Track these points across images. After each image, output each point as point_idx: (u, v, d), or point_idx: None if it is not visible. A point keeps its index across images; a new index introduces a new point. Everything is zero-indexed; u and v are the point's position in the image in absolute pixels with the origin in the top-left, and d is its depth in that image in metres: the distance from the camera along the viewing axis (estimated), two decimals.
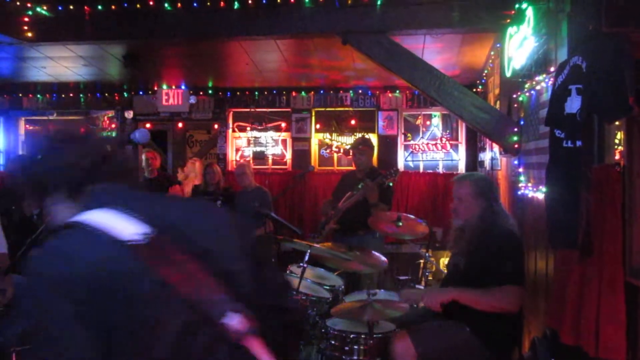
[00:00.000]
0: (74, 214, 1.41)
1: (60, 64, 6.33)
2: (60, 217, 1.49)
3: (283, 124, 8.06)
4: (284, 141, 8.14)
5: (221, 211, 1.69)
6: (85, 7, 4.72)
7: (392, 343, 3.24)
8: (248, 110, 7.99)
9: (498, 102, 5.12)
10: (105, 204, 1.40)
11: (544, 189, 2.92)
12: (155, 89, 7.59)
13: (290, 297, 1.85)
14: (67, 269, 1.28)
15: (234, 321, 1.30)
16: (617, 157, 2.47)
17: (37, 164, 1.53)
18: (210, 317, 1.30)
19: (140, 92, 7.74)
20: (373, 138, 7.70)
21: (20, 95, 7.99)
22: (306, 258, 3.99)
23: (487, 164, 6.24)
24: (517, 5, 3.80)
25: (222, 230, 1.54)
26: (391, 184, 5.18)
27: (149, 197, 1.57)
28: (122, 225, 1.33)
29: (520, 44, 3.62)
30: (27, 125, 8.81)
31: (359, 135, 7.61)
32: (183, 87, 7.59)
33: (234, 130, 8.23)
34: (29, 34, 4.81)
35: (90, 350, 1.25)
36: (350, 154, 5.76)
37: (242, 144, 8.30)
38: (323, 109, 7.87)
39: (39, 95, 7.94)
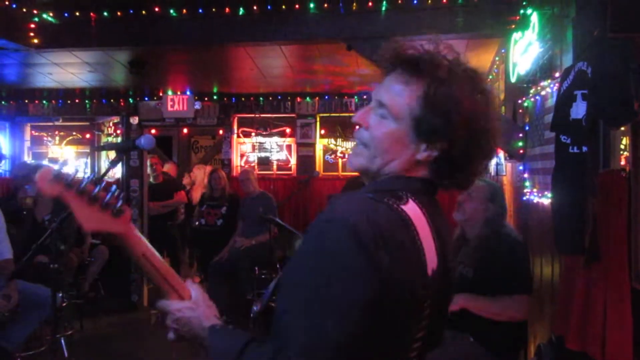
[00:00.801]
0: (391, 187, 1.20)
1: (66, 70, 6.36)
2: (383, 150, 1.23)
3: (288, 130, 8.08)
4: (289, 147, 8.15)
5: None
6: (91, 14, 4.75)
7: None
8: (253, 115, 8.01)
9: (503, 108, 5.11)
10: (421, 200, 1.19)
11: (549, 195, 2.92)
12: (161, 95, 7.62)
13: None
14: (382, 246, 1.05)
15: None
16: (622, 162, 2.46)
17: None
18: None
19: (146, 98, 7.77)
20: None
21: (26, 101, 8.04)
22: None
23: (492, 169, 6.23)
24: (521, 11, 3.80)
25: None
26: None
27: (440, 212, 1.27)
28: (429, 249, 1.15)
29: (525, 49, 3.62)
30: (33, 131, 8.86)
31: None
32: (188, 93, 7.61)
33: (238, 136, 8.25)
34: (35, 41, 4.84)
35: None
36: None
37: (246, 150, 8.32)
38: (328, 115, 7.88)
39: (44, 102, 7.99)
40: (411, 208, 1.15)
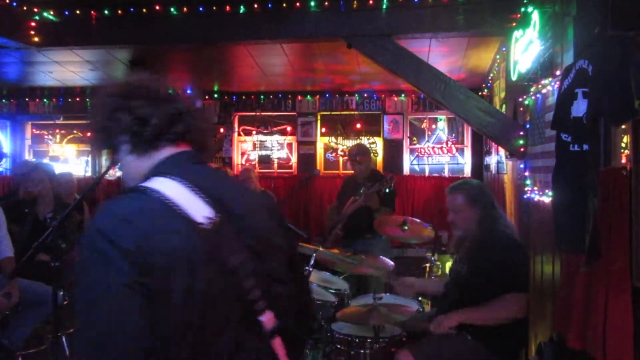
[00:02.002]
0: (141, 176, 1.40)
1: (66, 68, 6.36)
2: (130, 177, 1.47)
3: (289, 128, 8.07)
4: (290, 145, 8.16)
5: (270, 203, 1.61)
6: (92, 12, 4.74)
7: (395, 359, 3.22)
8: (254, 114, 8.01)
9: (504, 106, 5.11)
10: (172, 173, 1.36)
11: (550, 193, 2.91)
12: None
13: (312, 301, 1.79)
14: (129, 230, 1.21)
15: (265, 318, 1.31)
16: (623, 160, 2.46)
17: (109, 106, 1.47)
18: (250, 313, 1.29)
19: None
20: (378, 142, 7.71)
21: (27, 99, 8.04)
22: (312, 262, 3.99)
23: (492, 167, 6.23)
24: (522, 9, 3.80)
25: (271, 223, 1.49)
26: (388, 190, 5.15)
27: (211, 172, 1.50)
28: (191, 204, 1.29)
29: (525, 47, 3.61)
30: (34, 130, 8.85)
31: (364, 139, 7.62)
32: (189, 91, 7.61)
33: (239, 134, 8.25)
34: (36, 39, 4.83)
35: (139, 318, 1.17)
36: (348, 163, 5.74)
37: (247, 148, 8.31)
38: (328, 113, 7.88)
39: (45, 100, 7.99)
40: (155, 182, 1.32)
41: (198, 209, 1.28)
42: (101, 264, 1.19)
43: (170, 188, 1.30)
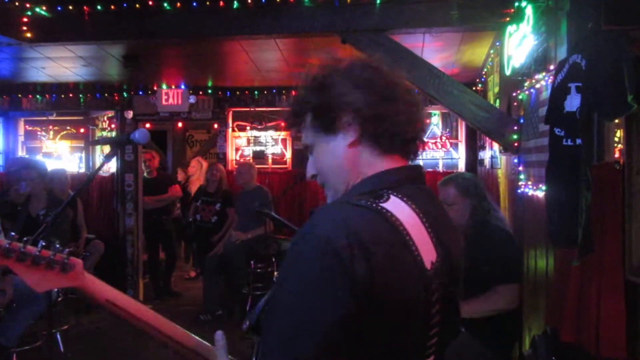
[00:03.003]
0: (349, 179, 1.22)
1: (59, 64, 6.33)
2: (333, 173, 1.26)
3: (283, 123, 8.06)
4: (284, 140, 8.16)
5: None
6: (85, 7, 4.72)
7: None
8: (248, 109, 8.00)
9: (498, 101, 5.12)
10: (403, 193, 1.16)
11: (543, 188, 2.92)
12: (155, 89, 7.59)
13: None
14: (365, 256, 1.01)
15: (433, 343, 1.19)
16: (616, 155, 2.47)
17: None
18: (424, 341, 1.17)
19: (140, 92, 7.75)
20: None
21: (20, 95, 7.99)
22: None
23: (487, 162, 6.24)
24: (516, 4, 3.80)
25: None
26: None
27: (430, 198, 1.24)
28: (423, 242, 1.11)
29: (519, 42, 3.62)
30: (27, 126, 8.82)
31: None
32: (182, 86, 7.59)
33: (233, 130, 8.24)
34: (28, 35, 4.81)
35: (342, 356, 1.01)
36: None
37: (242, 144, 8.31)
38: None
39: (38, 96, 7.95)
40: (393, 203, 1.12)
41: (428, 250, 1.11)
42: (321, 285, 1.00)
43: (406, 215, 1.11)
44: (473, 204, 3.34)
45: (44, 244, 1.31)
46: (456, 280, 1.23)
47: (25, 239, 1.32)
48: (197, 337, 1.41)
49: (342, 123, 1.21)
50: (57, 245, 1.34)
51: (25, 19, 4.78)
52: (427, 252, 1.11)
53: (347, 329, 1.00)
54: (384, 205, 1.10)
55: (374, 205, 1.09)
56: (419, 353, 1.15)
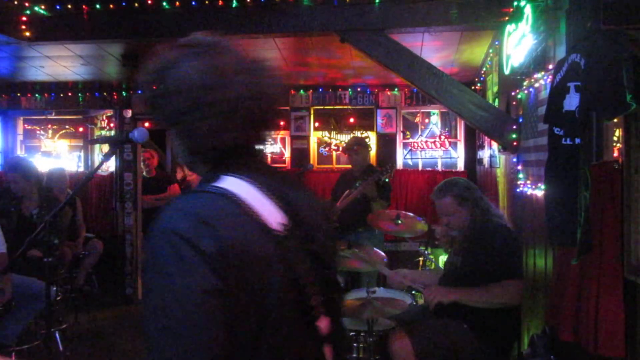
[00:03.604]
0: (209, 176, 1.29)
1: (58, 63, 6.33)
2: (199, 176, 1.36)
3: (281, 122, 8.06)
4: (283, 139, 8.14)
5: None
6: (83, 6, 4.72)
7: (390, 343, 3.25)
8: None
9: (497, 100, 5.12)
10: (240, 172, 1.27)
11: (542, 187, 2.92)
12: None
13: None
14: (210, 233, 1.12)
15: (322, 324, 1.29)
16: (615, 154, 2.47)
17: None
18: (309, 318, 1.26)
19: (139, 91, 7.73)
20: (372, 136, 7.71)
21: (19, 94, 7.99)
22: None
23: (486, 161, 6.25)
24: (515, 3, 3.80)
25: (328, 228, 1.43)
26: (387, 180, 5.22)
27: (274, 172, 1.39)
28: (265, 208, 1.22)
29: (518, 41, 3.62)
30: (26, 125, 8.81)
31: (357, 133, 7.63)
32: None
33: None
34: (27, 34, 4.80)
35: (218, 328, 1.08)
36: (346, 155, 5.82)
37: None
38: (322, 107, 7.87)
39: (37, 95, 7.94)
40: (226, 182, 1.23)
41: (272, 214, 1.23)
42: (179, 269, 1.09)
43: (241, 188, 1.23)
44: (471, 209, 3.37)
45: None
46: (323, 241, 1.34)
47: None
48: None
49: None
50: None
51: (24, 18, 4.77)
52: (272, 216, 1.23)
53: (216, 301, 1.08)
54: (216, 184, 1.23)
55: (207, 188, 1.22)
56: (304, 314, 1.25)
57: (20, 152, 8.66)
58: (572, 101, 2.40)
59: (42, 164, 7.97)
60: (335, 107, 7.81)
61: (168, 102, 1.28)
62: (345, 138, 7.70)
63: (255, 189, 1.24)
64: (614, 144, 2.50)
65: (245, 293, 1.13)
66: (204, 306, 1.07)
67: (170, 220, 1.15)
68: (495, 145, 5.03)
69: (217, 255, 1.10)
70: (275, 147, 8.16)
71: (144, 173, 7.46)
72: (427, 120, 7.87)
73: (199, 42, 1.32)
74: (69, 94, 7.83)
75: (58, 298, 5.07)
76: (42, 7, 4.75)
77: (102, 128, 8.96)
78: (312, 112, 7.92)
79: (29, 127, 8.80)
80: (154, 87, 1.33)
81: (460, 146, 7.73)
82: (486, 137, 5.66)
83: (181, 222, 1.13)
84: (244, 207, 1.19)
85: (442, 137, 7.74)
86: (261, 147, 1.38)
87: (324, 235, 1.37)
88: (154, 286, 1.11)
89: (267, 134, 1.36)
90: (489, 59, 5.68)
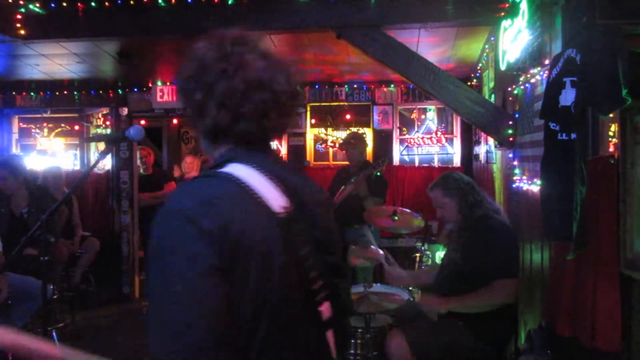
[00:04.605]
0: (217, 162, 1.34)
1: (53, 61, 6.30)
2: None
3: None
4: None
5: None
6: (79, 4, 4.70)
7: (386, 342, 3.26)
8: None
9: (493, 96, 5.13)
10: (245, 161, 1.31)
11: (538, 182, 2.93)
12: (150, 85, 7.57)
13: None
14: (211, 213, 1.16)
15: (324, 309, 1.31)
16: (611, 149, 2.48)
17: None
18: (311, 302, 1.29)
19: (135, 89, 7.72)
20: (368, 132, 7.71)
21: (14, 93, 7.95)
22: None
23: (482, 157, 6.25)
24: None
25: (331, 218, 1.46)
26: (379, 174, 5.22)
27: (280, 162, 1.45)
28: (269, 192, 1.26)
29: (514, 37, 3.62)
30: (21, 123, 8.78)
31: (354, 129, 7.63)
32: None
33: None
34: (22, 32, 4.78)
35: (218, 305, 1.12)
36: (343, 151, 5.83)
37: None
38: (318, 104, 7.86)
39: (32, 93, 7.91)
40: (233, 167, 1.28)
41: (275, 198, 1.27)
42: (180, 246, 1.14)
43: (246, 174, 1.27)
44: (459, 200, 3.43)
45: None
46: (325, 227, 1.38)
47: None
48: None
49: (196, 99, 1.33)
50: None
51: (18, 16, 4.75)
52: (274, 199, 1.27)
53: (215, 277, 1.12)
54: (222, 170, 1.28)
55: (213, 172, 1.28)
56: (307, 299, 1.28)
57: (15, 151, 8.63)
58: (568, 96, 2.41)
59: (38, 163, 7.95)
60: (331, 104, 7.80)
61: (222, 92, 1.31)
62: (341, 134, 7.69)
63: (259, 174, 1.28)
64: (610, 139, 2.51)
65: (245, 273, 1.16)
66: (202, 281, 1.11)
67: (176, 200, 1.21)
68: (491, 141, 5.04)
69: (218, 234, 1.14)
70: (272, 143, 8.16)
71: (141, 171, 7.45)
72: (423, 117, 7.87)
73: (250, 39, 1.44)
74: (65, 92, 7.80)
75: (55, 297, 5.07)
76: (37, 5, 4.73)
77: (98, 126, 8.94)
78: (308, 108, 7.91)
79: (25, 125, 8.77)
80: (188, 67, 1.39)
81: (457, 142, 7.74)
82: (482, 133, 5.66)
83: (185, 201, 1.19)
84: (247, 190, 1.24)
85: (439, 133, 7.74)
86: (272, 140, 1.45)
87: (326, 221, 1.40)
88: (157, 260, 1.16)
89: (282, 128, 1.42)
90: (485, 54, 5.68)
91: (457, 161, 7.70)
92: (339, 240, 1.46)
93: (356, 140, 5.57)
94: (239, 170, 1.27)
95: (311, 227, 1.32)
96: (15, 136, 8.73)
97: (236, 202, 1.21)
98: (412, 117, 7.89)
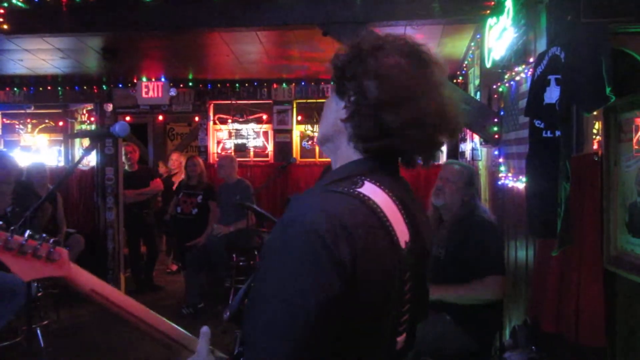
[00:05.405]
0: (351, 175, 1.22)
1: (37, 56, 6.24)
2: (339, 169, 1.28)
3: (264, 116, 8.04)
4: (265, 133, 8.13)
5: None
6: None
7: None
8: (229, 102, 7.96)
9: (478, 93, 5.15)
10: (378, 180, 1.20)
11: (523, 179, 2.95)
12: (135, 81, 7.52)
13: None
14: (347, 239, 1.06)
15: (400, 340, 1.26)
16: (595, 146, 2.50)
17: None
18: (393, 333, 1.23)
19: (120, 85, 7.67)
20: None
21: None
22: None
23: (467, 154, 6.28)
24: None
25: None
26: None
27: (403, 186, 1.31)
28: (398, 224, 1.17)
29: (499, 35, 3.64)
30: (5, 119, 8.69)
31: None
32: (163, 79, 7.53)
33: (215, 123, 8.19)
34: (5, 27, 4.72)
35: (333, 337, 1.05)
36: None
37: (223, 136, 8.27)
38: (304, 101, 7.86)
39: (15, 89, 7.83)
40: (368, 189, 1.17)
41: (402, 231, 1.18)
42: (310, 268, 1.03)
43: (381, 199, 1.17)
44: (469, 195, 3.37)
45: (30, 233, 1.32)
46: (425, 260, 1.31)
47: (12, 228, 1.33)
48: (179, 328, 1.42)
49: (348, 92, 1.25)
50: (44, 235, 1.35)
51: (1, 10, 4.69)
52: (402, 233, 1.17)
53: (332, 310, 1.02)
54: (360, 190, 1.15)
55: (351, 190, 1.14)
56: (393, 330, 1.21)
57: None
58: (552, 94, 2.43)
59: (21, 159, 7.88)
60: (318, 101, 7.79)
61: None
62: None
63: (391, 201, 1.19)
64: (594, 137, 2.53)
65: (362, 304, 1.09)
66: (323, 309, 1.02)
67: (313, 218, 1.07)
68: (477, 138, 5.06)
69: (349, 264, 1.05)
70: (258, 140, 8.14)
71: (126, 167, 7.40)
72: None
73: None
74: (49, 87, 7.73)
75: (39, 294, 5.02)
76: None
77: (83, 122, 8.87)
78: (294, 105, 7.91)
79: (8, 121, 8.69)
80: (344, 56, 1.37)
81: None
82: (468, 130, 5.69)
83: (323, 223, 1.06)
84: (383, 221, 1.14)
85: None
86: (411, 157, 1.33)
87: (430, 254, 1.34)
88: (276, 276, 1.06)
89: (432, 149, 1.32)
90: (470, 52, 5.70)
91: (442, 158, 7.73)
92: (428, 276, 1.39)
93: None
94: (377, 195, 1.17)
95: (420, 262, 1.26)
96: None
97: (370, 232, 1.11)
98: None
